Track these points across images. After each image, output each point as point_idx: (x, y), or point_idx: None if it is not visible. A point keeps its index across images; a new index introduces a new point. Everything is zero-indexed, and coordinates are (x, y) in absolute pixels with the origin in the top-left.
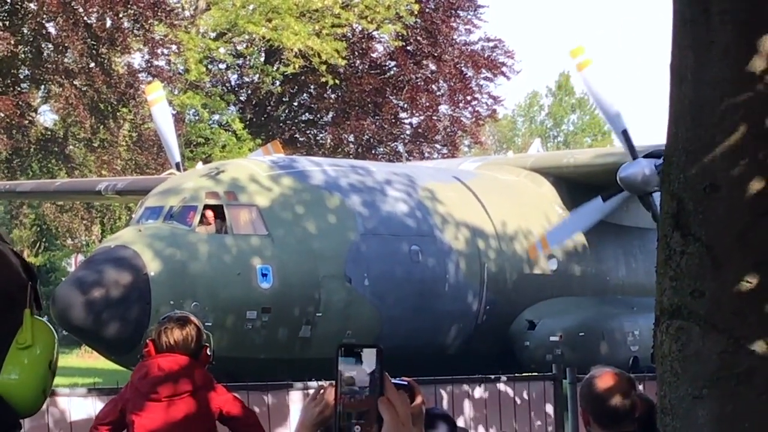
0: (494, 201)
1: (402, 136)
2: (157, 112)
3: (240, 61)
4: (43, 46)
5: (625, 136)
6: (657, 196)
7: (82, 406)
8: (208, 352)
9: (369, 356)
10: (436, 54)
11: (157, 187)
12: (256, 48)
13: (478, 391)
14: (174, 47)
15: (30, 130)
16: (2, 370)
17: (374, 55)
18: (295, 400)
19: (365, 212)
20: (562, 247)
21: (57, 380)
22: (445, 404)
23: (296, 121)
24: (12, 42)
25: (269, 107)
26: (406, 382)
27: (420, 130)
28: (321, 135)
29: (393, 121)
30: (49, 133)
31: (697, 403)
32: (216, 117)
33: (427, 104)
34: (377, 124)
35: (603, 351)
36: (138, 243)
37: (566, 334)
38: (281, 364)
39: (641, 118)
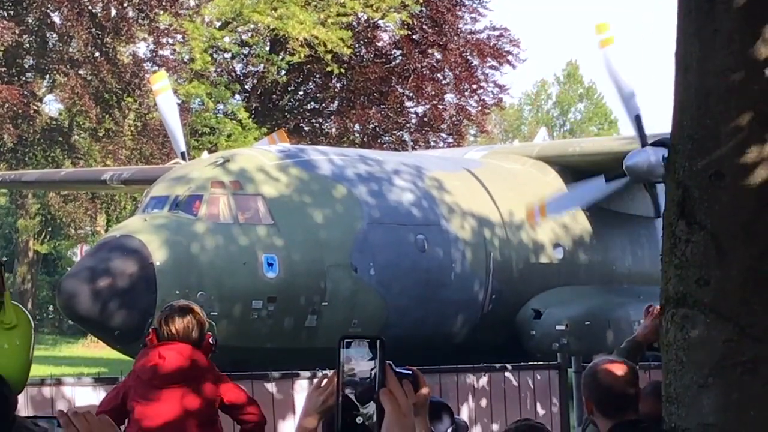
0: (500, 190)
1: (407, 125)
2: (162, 102)
3: (245, 51)
4: (48, 35)
5: (637, 121)
6: (661, 186)
7: (88, 396)
8: (211, 341)
9: (371, 348)
10: (441, 43)
11: (162, 176)
12: (261, 37)
13: (483, 381)
14: (179, 36)
15: (35, 120)
16: None
17: (379, 44)
18: (301, 390)
19: (371, 201)
20: (558, 217)
21: (63, 370)
22: (449, 393)
23: (301, 110)
24: (17, 32)
25: (274, 96)
26: (410, 371)
27: (425, 119)
28: (326, 124)
29: (398, 110)
30: (55, 122)
31: (702, 392)
32: (221, 106)
33: (433, 93)
34: (383, 113)
35: (609, 340)
36: (144, 232)
37: (572, 323)
38: (287, 354)
39: (649, 106)
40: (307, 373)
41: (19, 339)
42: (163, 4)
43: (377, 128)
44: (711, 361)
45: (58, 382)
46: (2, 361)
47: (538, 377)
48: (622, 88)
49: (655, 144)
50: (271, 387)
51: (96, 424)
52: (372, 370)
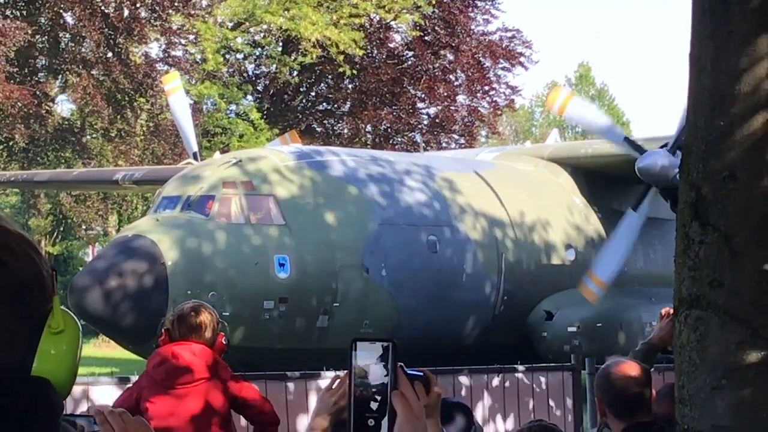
0: (512, 191)
1: (419, 126)
2: (174, 102)
3: (257, 51)
4: (60, 35)
5: (627, 141)
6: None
7: (101, 395)
8: (223, 341)
9: (383, 350)
10: (453, 44)
11: (174, 176)
12: (273, 38)
13: (496, 381)
14: (191, 37)
15: (47, 120)
16: (39, 349)
17: (392, 45)
18: (315, 390)
19: (383, 202)
20: (613, 280)
21: None
22: (463, 394)
23: (313, 111)
24: (29, 32)
25: (286, 97)
26: (421, 373)
27: (437, 120)
28: (338, 125)
29: (410, 111)
30: (67, 122)
31: (716, 393)
32: (233, 107)
33: (445, 94)
34: (394, 114)
35: (621, 341)
36: (155, 232)
37: (584, 324)
38: (299, 354)
39: (664, 95)
40: (324, 374)
41: (66, 344)
42: (176, 4)
43: (389, 129)
44: (724, 362)
45: None
46: (49, 366)
47: (552, 379)
48: (598, 126)
49: (664, 147)
50: (285, 387)
51: (131, 424)
52: (384, 372)
